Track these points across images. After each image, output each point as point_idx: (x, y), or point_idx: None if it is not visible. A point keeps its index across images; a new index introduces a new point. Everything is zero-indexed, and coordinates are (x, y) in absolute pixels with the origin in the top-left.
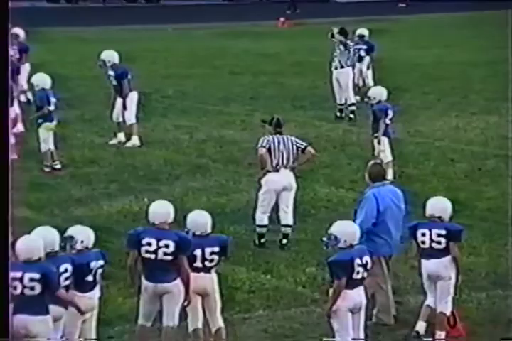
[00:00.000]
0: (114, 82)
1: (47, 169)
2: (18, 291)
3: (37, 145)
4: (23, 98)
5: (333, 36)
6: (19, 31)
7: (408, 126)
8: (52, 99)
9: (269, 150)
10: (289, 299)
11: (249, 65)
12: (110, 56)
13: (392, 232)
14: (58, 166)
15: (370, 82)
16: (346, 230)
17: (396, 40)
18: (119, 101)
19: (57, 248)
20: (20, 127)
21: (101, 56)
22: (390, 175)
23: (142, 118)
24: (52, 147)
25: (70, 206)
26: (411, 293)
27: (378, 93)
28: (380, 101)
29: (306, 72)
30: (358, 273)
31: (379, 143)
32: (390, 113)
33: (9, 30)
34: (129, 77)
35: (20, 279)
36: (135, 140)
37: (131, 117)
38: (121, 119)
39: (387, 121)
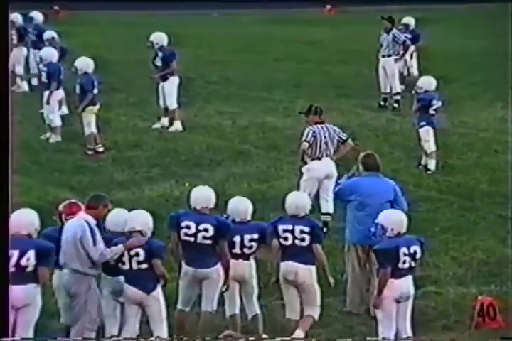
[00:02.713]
0: (160, 64)
1: (90, 152)
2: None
3: (80, 128)
4: (34, 81)
5: (390, 27)
6: (37, 14)
7: (453, 117)
8: (96, 83)
9: (315, 141)
10: (327, 287)
11: (293, 52)
12: (159, 38)
13: (366, 222)
14: (101, 149)
15: (414, 71)
16: (393, 219)
17: (443, 29)
18: (162, 85)
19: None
20: (64, 110)
21: (150, 37)
22: (432, 166)
23: (185, 104)
24: (94, 130)
25: (111, 189)
26: (451, 284)
27: (427, 82)
28: (426, 91)
29: (351, 60)
30: (404, 262)
31: (422, 133)
32: (436, 103)
33: (8, 30)
34: (176, 60)
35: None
36: (178, 125)
37: (172, 102)
38: (165, 104)
39: (432, 111)
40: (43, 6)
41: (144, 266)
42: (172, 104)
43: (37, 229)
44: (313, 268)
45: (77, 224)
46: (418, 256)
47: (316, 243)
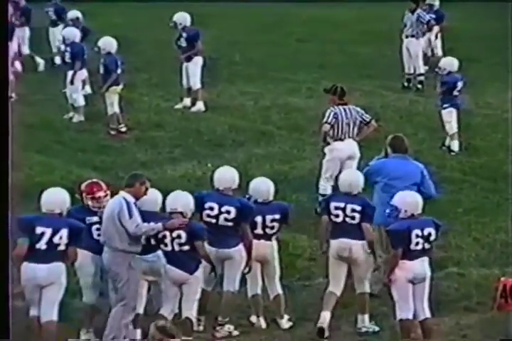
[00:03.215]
0: (184, 44)
1: (112, 132)
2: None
3: (103, 108)
4: (58, 60)
5: (414, 8)
6: None
7: (476, 98)
8: (119, 63)
9: (336, 122)
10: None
11: (317, 33)
12: (182, 18)
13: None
14: (124, 129)
15: (439, 51)
16: (406, 200)
17: (467, 9)
18: (185, 65)
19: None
20: (88, 89)
21: (173, 18)
22: (456, 147)
23: (208, 84)
24: (117, 110)
25: (134, 169)
26: (474, 266)
27: (449, 63)
28: (450, 72)
29: (375, 41)
30: (417, 244)
31: (445, 114)
32: (460, 84)
33: (8, 23)
34: (200, 40)
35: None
36: (200, 105)
37: (196, 82)
38: (189, 85)
39: (456, 93)
40: None
41: (186, 247)
42: (196, 84)
43: (68, 207)
44: (365, 243)
45: (115, 201)
46: (432, 238)
47: (366, 222)
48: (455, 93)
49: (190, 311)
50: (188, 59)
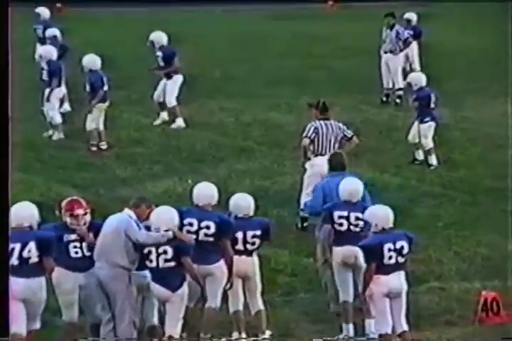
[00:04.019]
0: (162, 63)
1: (93, 148)
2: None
3: (81, 124)
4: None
5: (393, 24)
6: (43, 10)
7: (455, 112)
8: (105, 80)
9: (316, 137)
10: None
11: (296, 48)
12: (159, 37)
13: None
14: (105, 147)
15: (417, 67)
16: (377, 214)
17: (445, 25)
18: (163, 82)
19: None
20: (67, 107)
21: (150, 37)
22: (434, 161)
23: (188, 100)
24: (101, 127)
25: (114, 186)
26: (455, 280)
27: (417, 79)
28: (421, 88)
29: (354, 56)
30: (390, 258)
31: (425, 129)
32: (433, 97)
33: (9, 27)
34: (177, 58)
35: None
36: (180, 122)
37: (171, 99)
38: (161, 99)
39: (432, 105)
40: (44, 3)
41: (172, 263)
42: (171, 101)
43: (38, 221)
44: None
45: (120, 217)
46: (405, 251)
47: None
48: (432, 106)
49: (174, 329)
50: (169, 77)
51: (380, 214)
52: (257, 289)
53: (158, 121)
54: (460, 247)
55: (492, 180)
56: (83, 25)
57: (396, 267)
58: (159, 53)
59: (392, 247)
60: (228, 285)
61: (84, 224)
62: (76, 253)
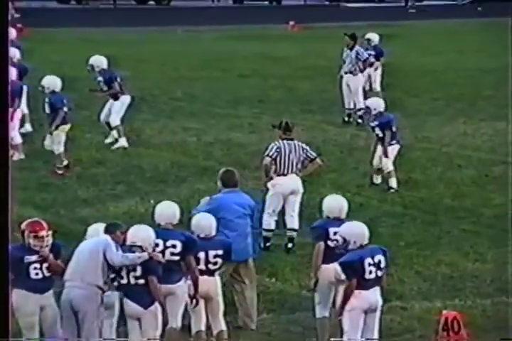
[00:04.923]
0: (104, 87)
1: (60, 171)
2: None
3: (41, 145)
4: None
5: (353, 44)
6: (11, 30)
7: (416, 132)
8: (65, 101)
9: (279, 156)
10: (294, 303)
11: (258, 68)
12: (98, 61)
13: (236, 239)
14: (65, 162)
15: (377, 87)
16: (354, 231)
17: (406, 45)
18: (110, 103)
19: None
20: (28, 127)
21: (89, 61)
22: (394, 184)
23: (150, 120)
24: (62, 149)
25: (76, 206)
26: (416, 299)
27: (376, 104)
28: (381, 113)
29: (315, 76)
30: (370, 272)
31: (390, 151)
32: (394, 120)
33: (9, 27)
34: (118, 80)
35: None
36: (123, 141)
37: (116, 119)
38: (107, 120)
39: (394, 129)
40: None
41: (141, 281)
42: (115, 121)
43: None
44: None
45: (99, 239)
46: (383, 264)
47: None
48: (393, 129)
49: None
50: (116, 98)
51: (358, 231)
52: (220, 309)
53: (109, 140)
54: (421, 266)
55: (452, 200)
56: (44, 45)
57: (375, 281)
58: (99, 77)
59: (371, 262)
60: (193, 304)
61: (47, 245)
62: (36, 274)
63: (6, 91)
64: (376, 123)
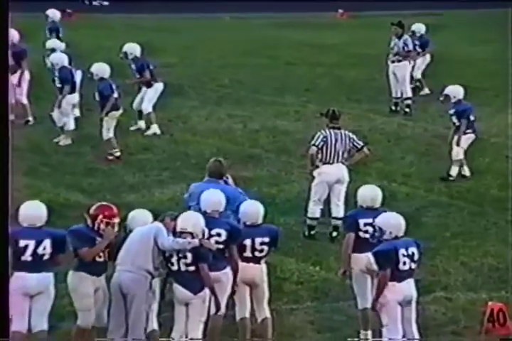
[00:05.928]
0: (136, 74)
1: (110, 157)
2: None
3: (90, 130)
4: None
5: (401, 33)
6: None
7: None
8: (114, 88)
9: (325, 145)
10: (337, 291)
11: (305, 56)
12: (131, 48)
13: None
14: (118, 154)
15: (418, 75)
16: (391, 222)
17: (454, 35)
18: (145, 90)
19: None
20: (76, 112)
21: (123, 48)
22: (454, 172)
23: (197, 107)
24: (111, 135)
25: (122, 192)
26: (461, 290)
27: (456, 91)
28: (459, 100)
29: (363, 65)
30: (404, 263)
31: (465, 140)
32: (472, 110)
33: (9, 27)
34: (151, 68)
35: None
36: (155, 128)
37: (148, 106)
38: (140, 107)
39: (472, 118)
40: (48, 7)
41: (192, 268)
42: (147, 108)
43: (46, 220)
44: None
45: (151, 225)
46: (416, 257)
47: None
48: (471, 118)
49: (196, 332)
50: (149, 85)
51: (394, 222)
52: (265, 297)
53: (134, 128)
54: (467, 257)
55: (499, 191)
56: (93, 30)
57: (409, 274)
58: (132, 65)
59: (405, 253)
60: (231, 292)
61: (117, 231)
62: (100, 257)
63: (7, 90)
64: (453, 111)
